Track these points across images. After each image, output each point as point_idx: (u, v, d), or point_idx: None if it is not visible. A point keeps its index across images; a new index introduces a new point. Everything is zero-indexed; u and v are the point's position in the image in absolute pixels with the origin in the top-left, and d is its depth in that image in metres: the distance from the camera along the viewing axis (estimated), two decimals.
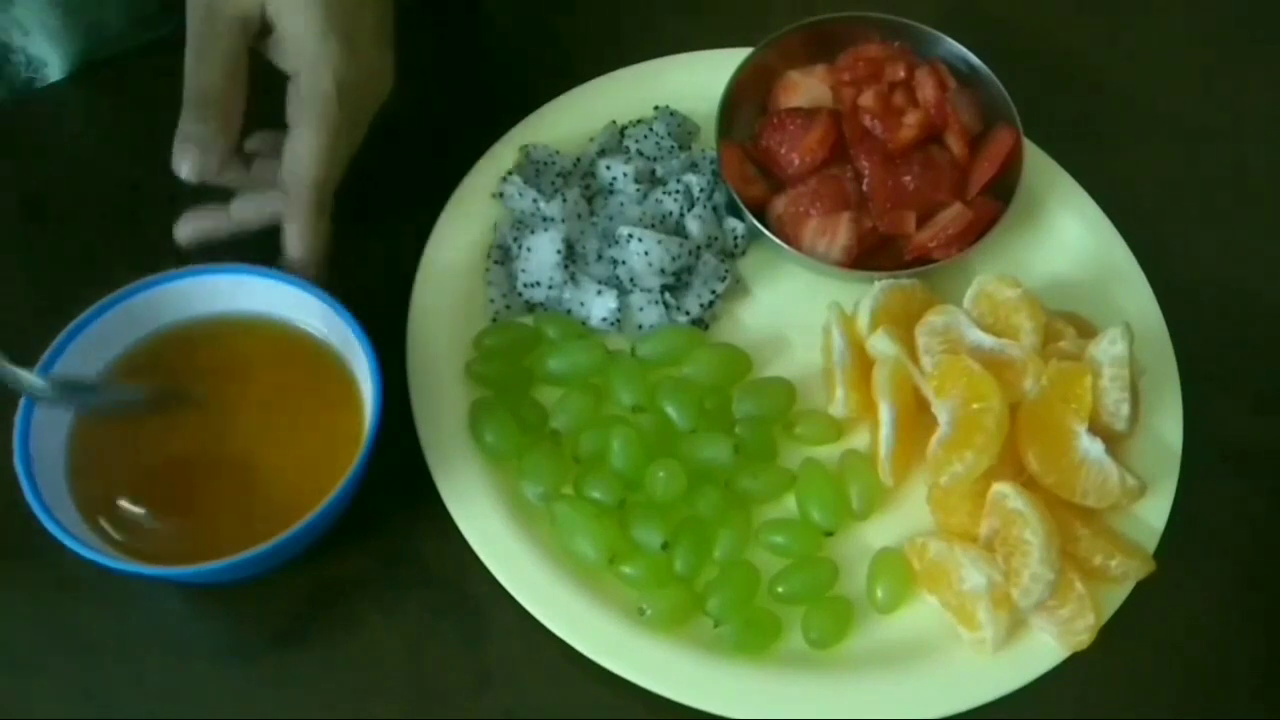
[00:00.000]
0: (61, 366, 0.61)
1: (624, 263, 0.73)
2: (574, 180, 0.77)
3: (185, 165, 0.62)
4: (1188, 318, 0.75)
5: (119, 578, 0.58)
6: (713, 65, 0.79)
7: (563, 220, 0.74)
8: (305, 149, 0.63)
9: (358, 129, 0.67)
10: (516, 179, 0.76)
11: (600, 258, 0.74)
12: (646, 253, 0.72)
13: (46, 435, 0.59)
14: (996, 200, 0.76)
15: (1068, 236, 0.78)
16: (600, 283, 0.73)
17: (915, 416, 0.68)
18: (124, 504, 0.61)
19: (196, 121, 0.62)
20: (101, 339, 0.63)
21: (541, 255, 0.73)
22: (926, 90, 0.77)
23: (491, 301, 0.73)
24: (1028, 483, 0.65)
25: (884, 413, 0.67)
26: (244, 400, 0.64)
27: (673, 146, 0.79)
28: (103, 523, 0.60)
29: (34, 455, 0.58)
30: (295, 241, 0.64)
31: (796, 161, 0.76)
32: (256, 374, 0.65)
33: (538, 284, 0.73)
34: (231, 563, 0.56)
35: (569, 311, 0.73)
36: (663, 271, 0.73)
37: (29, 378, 0.57)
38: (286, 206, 0.64)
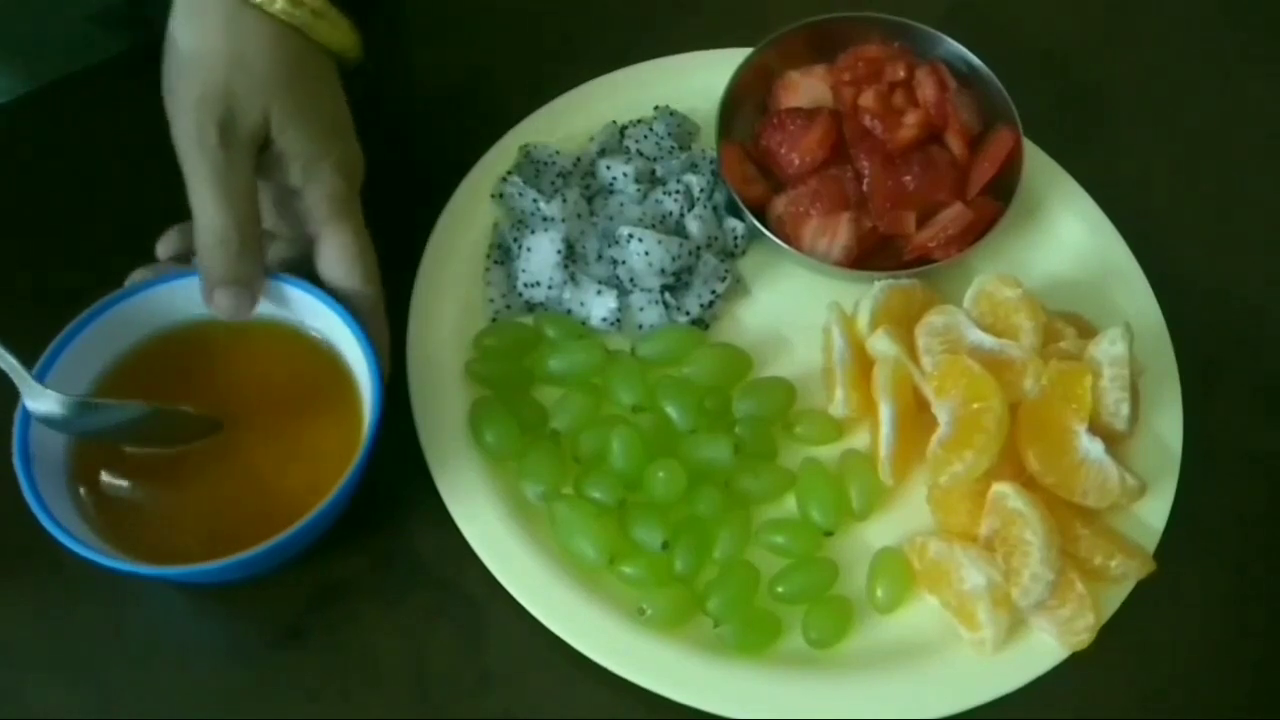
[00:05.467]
0: (58, 369, 0.60)
1: (624, 263, 0.73)
2: (574, 180, 0.77)
3: (236, 309, 0.60)
4: (1188, 318, 0.75)
5: (119, 578, 0.58)
6: (713, 65, 0.79)
7: (563, 220, 0.74)
8: (351, 253, 0.62)
9: None
10: (516, 179, 0.76)
11: (600, 258, 0.74)
12: (646, 253, 0.72)
13: (46, 435, 0.59)
14: (996, 200, 0.76)
15: (1068, 236, 0.78)
16: (600, 283, 0.73)
17: (915, 416, 0.68)
18: (124, 504, 0.61)
19: (242, 262, 0.60)
20: (99, 341, 0.62)
21: (541, 255, 0.73)
22: (926, 90, 0.77)
23: (491, 301, 0.73)
24: (1028, 483, 0.65)
25: (884, 413, 0.67)
26: (243, 400, 0.64)
27: (673, 146, 0.79)
28: (103, 523, 0.60)
29: (34, 455, 0.58)
30: (382, 341, 0.63)
31: (796, 161, 0.76)
32: (256, 374, 0.65)
33: (538, 284, 0.73)
34: (231, 563, 0.56)
35: (569, 311, 0.73)
36: (663, 271, 0.73)
37: (43, 402, 0.57)
38: (367, 320, 0.62)
